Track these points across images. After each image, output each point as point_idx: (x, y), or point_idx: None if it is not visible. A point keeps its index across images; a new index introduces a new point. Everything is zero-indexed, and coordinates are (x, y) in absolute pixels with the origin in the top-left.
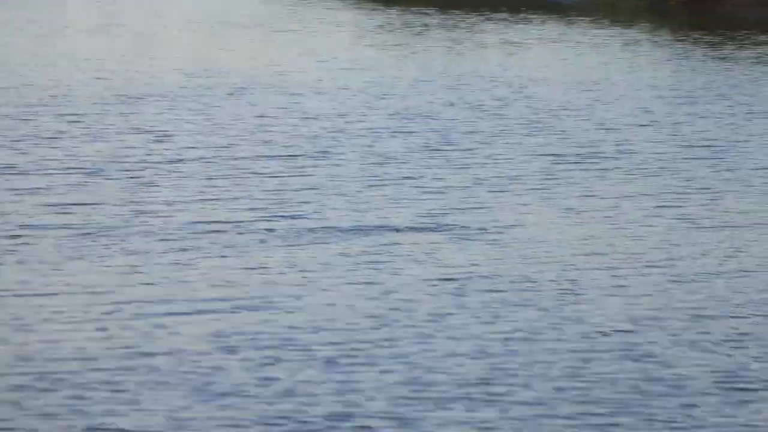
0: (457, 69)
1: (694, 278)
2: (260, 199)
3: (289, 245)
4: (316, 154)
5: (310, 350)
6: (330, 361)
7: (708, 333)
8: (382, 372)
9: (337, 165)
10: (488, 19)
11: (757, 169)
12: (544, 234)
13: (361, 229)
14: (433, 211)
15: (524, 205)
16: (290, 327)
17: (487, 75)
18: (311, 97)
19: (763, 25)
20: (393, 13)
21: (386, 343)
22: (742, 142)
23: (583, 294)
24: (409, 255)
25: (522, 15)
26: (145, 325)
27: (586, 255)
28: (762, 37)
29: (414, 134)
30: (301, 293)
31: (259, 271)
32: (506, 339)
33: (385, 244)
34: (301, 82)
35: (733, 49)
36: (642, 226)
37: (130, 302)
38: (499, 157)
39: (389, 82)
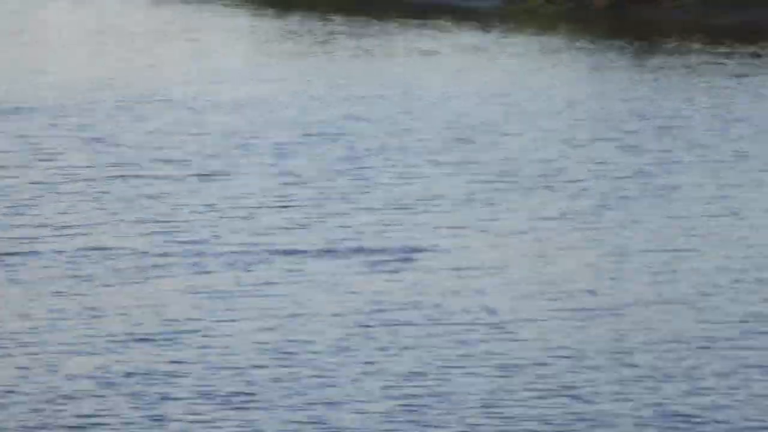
0: (365, 80)
1: (616, 308)
2: (153, 223)
3: (184, 273)
4: (214, 174)
5: (205, 386)
6: (226, 399)
7: (630, 366)
8: (281, 410)
9: (237, 185)
10: (398, 26)
11: (684, 187)
12: (460, 260)
13: (264, 255)
14: (341, 236)
15: (440, 228)
16: (183, 361)
17: (398, 87)
18: (208, 111)
19: (690, 29)
20: (294, 20)
21: (286, 379)
22: (670, 162)
23: (499, 325)
24: (312, 282)
25: (434, 21)
26: (23, 360)
27: (504, 283)
28: (690, 44)
29: (321, 151)
30: (195, 325)
31: (151, 300)
32: (415, 374)
33: (289, 271)
34: (196, 95)
35: (659, 58)
36: (562, 250)
37: (8, 335)
38: (413, 176)
39: (292, 94)
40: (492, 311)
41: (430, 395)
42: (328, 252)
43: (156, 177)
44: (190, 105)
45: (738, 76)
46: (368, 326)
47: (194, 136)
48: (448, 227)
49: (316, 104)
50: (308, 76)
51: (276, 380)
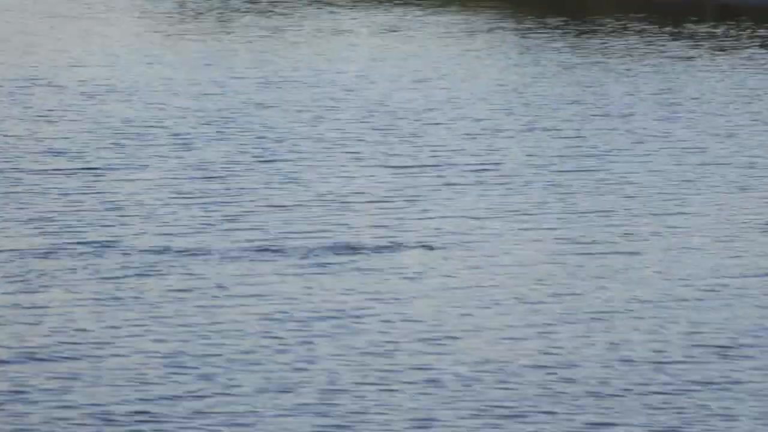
0: (272, 63)
1: (555, 321)
2: (47, 220)
3: (77, 278)
4: (114, 166)
5: (95, 404)
6: (110, 420)
7: (575, 383)
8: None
9: (142, 179)
10: (310, 4)
11: (625, 179)
12: (384, 264)
13: (168, 258)
14: (251, 236)
15: (362, 228)
16: (74, 377)
17: (310, 70)
18: (99, 97)
19: (628, 6)
20: None
21: (185, 396)
22: (616, 150)
23: (436, 338)
24: (220, 288)
25: None
26: None
27: (444, 289)
28: (630, 24)
29: (226, 142)
30: (87, 337)
31: (41, 311)
32: (332, 390)
33: (196, 275)
34: (85, 79)
35: (597, 38)
36: (497, 254)
37: None
38: (331, 170)
39: (192, 79)
40: (416, 320)
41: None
42: (237, 254)
43: (41, 171)
44: (79, 90)
45: (682, 58)
46: (280, 337)
47: (84, 125)
48: (381, 226)
49: (218, 90)
50: (208, 58)
51: (175, 398)
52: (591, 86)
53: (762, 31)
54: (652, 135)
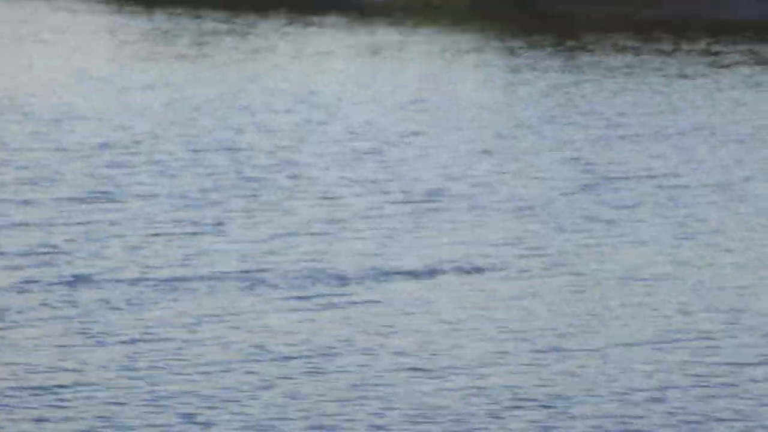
0: (250, 86)
1: (564, 354)
2: (15, 255)
3: (56, 313)
4: (88, 195)
5: None
6: None
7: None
8: None
9: (117, 209)
10: (287, 24)
11: (634, 203)
12: (378, 296)
13: (153, 289)
14: (237, 266)
15: (353, 256)
16: (45, 420)
17: (290, 94)
18: (71, 123)
19: (614, 24)
20: (163, 17)
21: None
22: (612, 176)
23: (426, 370)
24: (204, 318)
25: (326, 18)
26: None
27: (430, 323)
28: (616, 41)
29: (208, 169)
30: (62, 379)
31: (13, 348)
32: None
33: (179, 309)
34: (56, 104)
35: (585, 57)
36: (500, 281)
37: None
38: (317, 196)
39: (167, 103)
40: (412, 355)
41: None
42: (224, 285)
43: (15, 201)
44: (49, 116)
45: (673, 76)
46: (256, 373)
47: (58, 153)
48: (363, 255)
49: (195, 114)
50: (184, 82)
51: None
52: (581, 106)
53: (756, 46)
54: (654, 155)
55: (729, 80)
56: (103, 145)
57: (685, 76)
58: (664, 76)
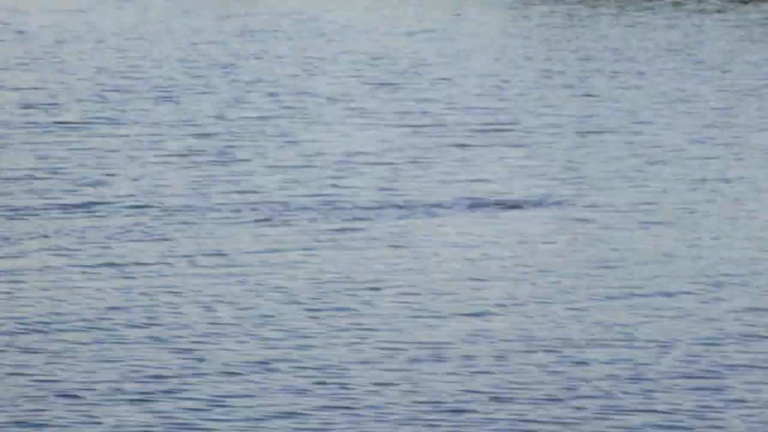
0: (257, 11)
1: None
2: (20, 179)
3: (64, 240)
4: (92, 121)
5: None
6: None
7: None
8: None
9: (121, 135)
10: None
11: (658, 144)
12: (391, 237)
13: (161, 220)
14: (249, 199)
15: (367, 190)
16: (55, 353)
17: (299, 20)
18: (69, 44)
19: None
20: None
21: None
22: (633, 113)
23: (419, 315)
24: (215, 253)
25: None
26: None
27: (452, 259)
28: None
29: (214, 96)
30: (72, 309)
31: (19, 276)
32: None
33: (190, 239)
34: (58, 25)
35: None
36: (510, 225)
37: None
38: (330, 128)
39: (174, 27)
40: (419, 295)
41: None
42: (231, 218)
43: (11, 125)
44: (47, 36)
45: (702, 12)
46: (271, 316)
47: (56, 75)
48: (378, 189)
49: (200, 39)
50: (189, 4)
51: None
52: (600, 41)
53: None
54: (674, 94)
55: (753, 15)
56: (107, 70)
57: (719, 12)
58: (682, 11)
